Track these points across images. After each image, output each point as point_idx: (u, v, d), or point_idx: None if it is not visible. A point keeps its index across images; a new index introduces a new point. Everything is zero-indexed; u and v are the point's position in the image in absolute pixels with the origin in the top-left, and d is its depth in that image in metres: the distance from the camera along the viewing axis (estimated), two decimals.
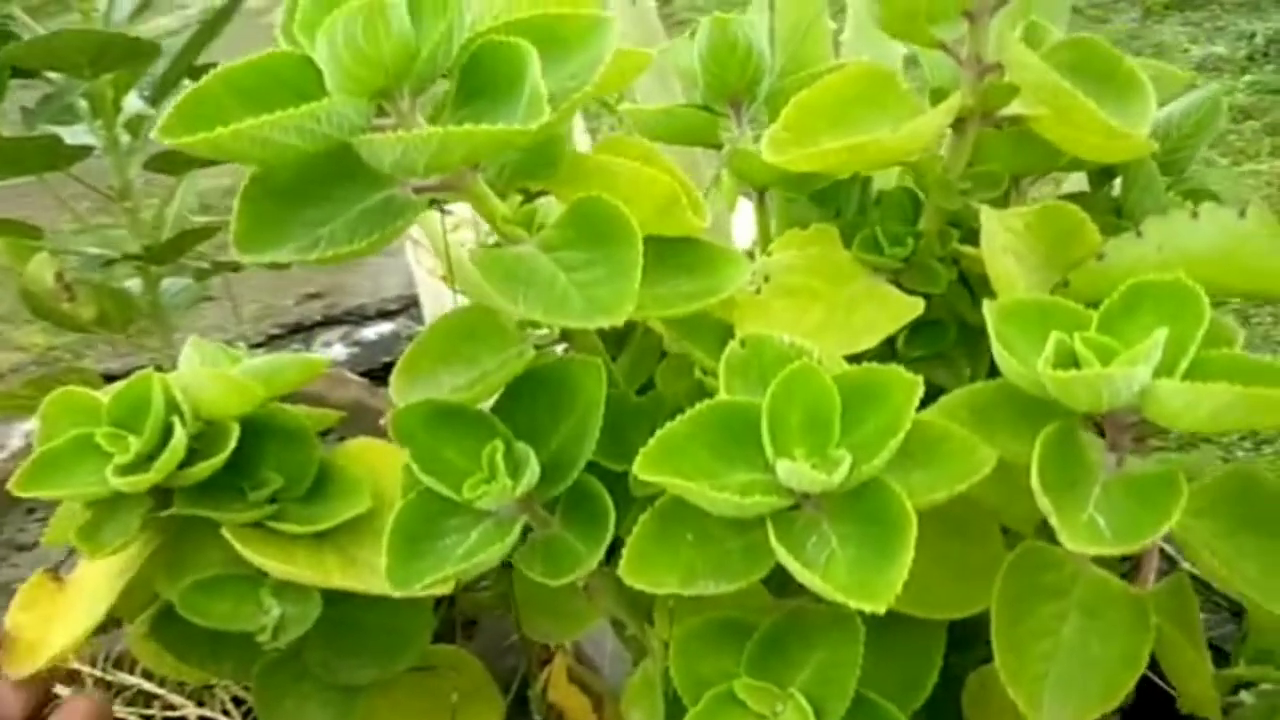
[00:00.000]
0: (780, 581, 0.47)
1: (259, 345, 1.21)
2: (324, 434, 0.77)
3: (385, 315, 1.28)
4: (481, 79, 0.43)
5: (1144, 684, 0.63)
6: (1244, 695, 0.63)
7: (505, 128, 0.39)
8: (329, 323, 1.27)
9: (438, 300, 0.96)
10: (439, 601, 0.63)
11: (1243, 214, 0.52)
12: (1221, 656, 0.74)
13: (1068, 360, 0.46)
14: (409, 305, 1.28)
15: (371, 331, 1.26)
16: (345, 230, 0.44)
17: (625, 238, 0.46)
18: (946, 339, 0.60)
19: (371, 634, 0.58)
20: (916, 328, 0.59)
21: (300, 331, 1.26)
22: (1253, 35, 2.20)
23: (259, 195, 0.44)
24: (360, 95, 0.40)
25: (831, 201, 0.65)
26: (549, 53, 0.45)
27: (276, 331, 1.25)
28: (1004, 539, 0.54)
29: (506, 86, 0.42)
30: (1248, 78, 2.05)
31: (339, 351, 1.22)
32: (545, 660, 0.74)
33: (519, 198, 0.51)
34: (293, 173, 0.44)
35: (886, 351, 0.60)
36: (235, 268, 0.92)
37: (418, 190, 0.45)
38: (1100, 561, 0.50)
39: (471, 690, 0.65)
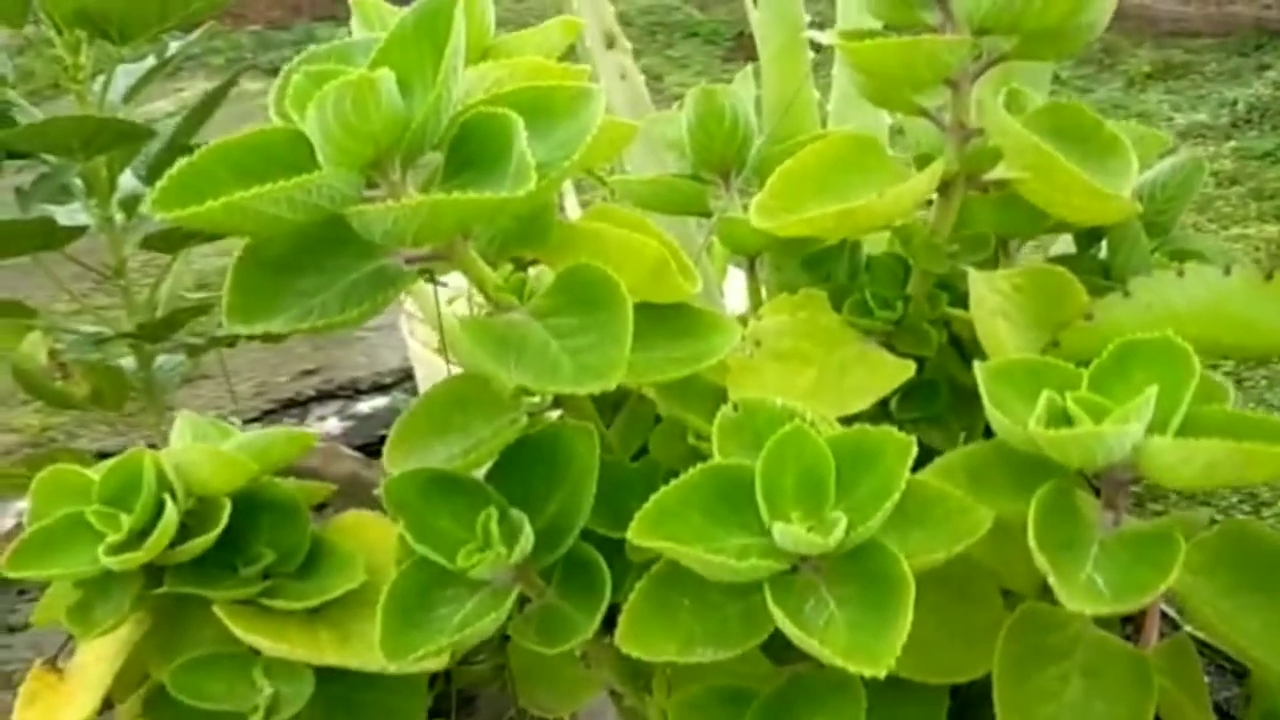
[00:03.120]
0: (780, 647, 0.47)
1: (254, 420, 1.21)
2: (319, 508, 0.76)
3: (380, 389, 1.28)
4: (471, 150, 0.44)
5: None
6: None
7: (493, 196, 0.40)
8: (323, 397, 1.27)
9: (432, 372, 0.97)
10: (434, 678, 0.62)
11: (1228, 271, 0.52)
12: (1227, 719, 0.73)
13: (1060, 419, 0.46)
14: (404, 379, 1.28)
15: (366, 405, 1.26)
16: (337, 300, 0.44)
17: (615, 303, 0.46)
18: (939, 401, 0.60)
19: (366, 712, 0.57)
20: (909, 390, 0.59)
21: (295, 406, 1.26)
22: (1235, 102, 2.23)
23: (252, 266, 0.44)
24: (351, 167, 0.41)
25: (821, 267, 0.65)
26: (537, 124, 0.46)
27: (270, 407, 1.25)
28: (1006, 601, 0.53)
29: (495, 156, 0.42)
30: (1231, 144, 2.08)
31: (334, 425, 1.22)
32: None
33: (510, 267, 0.51)
34: (285, 244, 0.44)
35: (879, 414, 0.60)
36: (230, 343, 0.92)
37: (409, 260, 0.45)
38: (1101, 623, 0.50)
39: None
